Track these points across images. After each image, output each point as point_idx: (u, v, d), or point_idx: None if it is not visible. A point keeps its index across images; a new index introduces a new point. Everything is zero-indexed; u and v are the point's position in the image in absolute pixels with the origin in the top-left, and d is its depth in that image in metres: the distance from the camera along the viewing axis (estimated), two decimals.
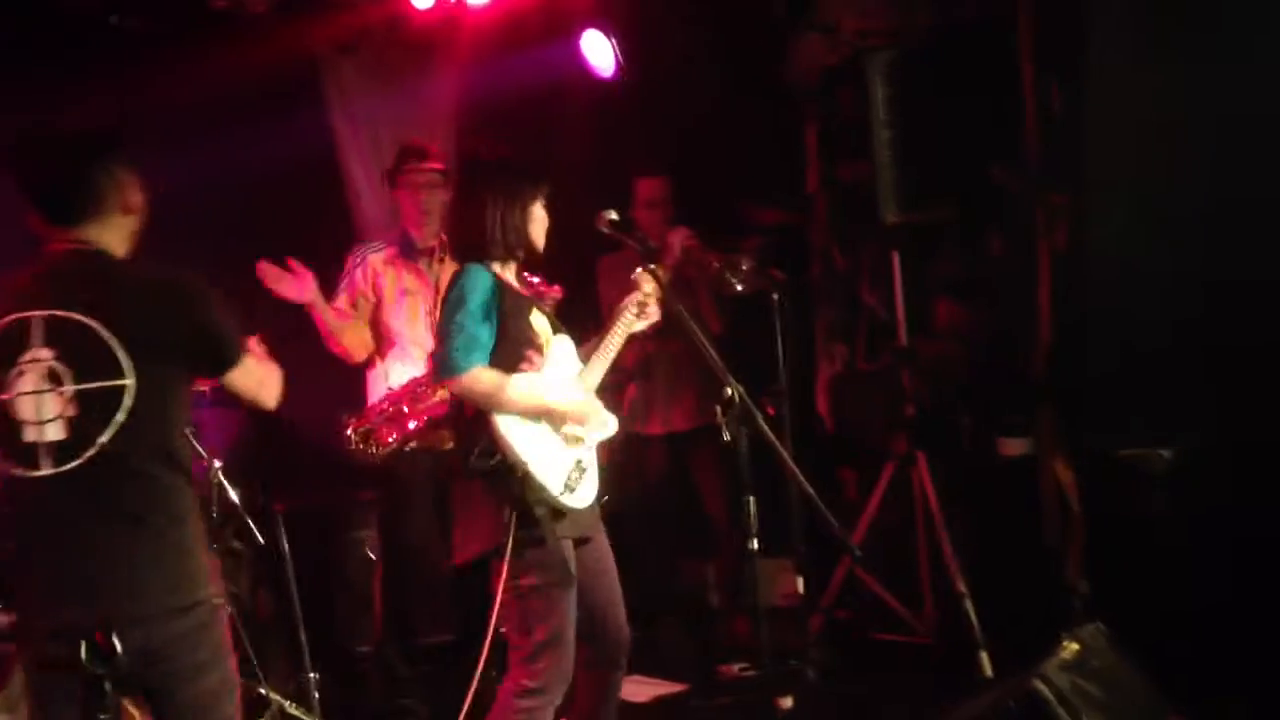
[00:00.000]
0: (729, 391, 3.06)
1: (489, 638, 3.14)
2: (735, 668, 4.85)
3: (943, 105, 4.47)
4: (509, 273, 3.33)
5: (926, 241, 4.90)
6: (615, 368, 3.78)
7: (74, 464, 2.47)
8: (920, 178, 4.52)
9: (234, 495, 4.31)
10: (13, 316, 2.50)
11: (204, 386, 4.40)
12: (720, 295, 4.83)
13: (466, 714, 3.22)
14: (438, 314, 3.37)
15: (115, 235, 2.62)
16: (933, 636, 4.79)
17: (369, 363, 4.53)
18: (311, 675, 4.31)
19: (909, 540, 4.93)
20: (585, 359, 3.45)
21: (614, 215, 3.37)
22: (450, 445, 4.15)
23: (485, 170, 3.33)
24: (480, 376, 3.11)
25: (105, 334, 2.48)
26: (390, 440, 4.26)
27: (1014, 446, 4.65)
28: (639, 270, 3.46)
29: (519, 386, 3.15)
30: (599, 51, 5.54)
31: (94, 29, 5.06)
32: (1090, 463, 4.34)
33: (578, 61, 5.52)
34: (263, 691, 4.27)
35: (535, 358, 3.24)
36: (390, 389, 4.32)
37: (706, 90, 5.41)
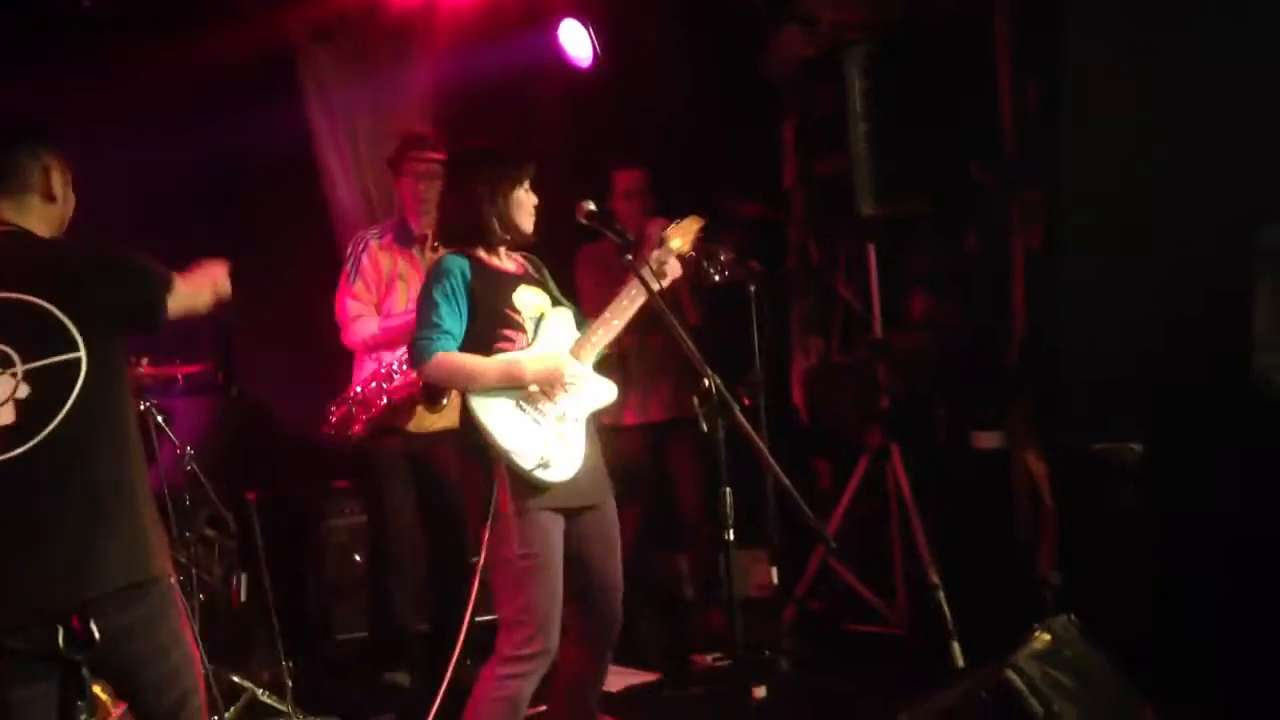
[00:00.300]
0: (706, 383, 3.08)
1: (467, 618, 3.16)
2: (709, 658, 4.87)
3: (920, 99, 4.49)
4: (498, 255, 3.40)
5: (902, 235, 4.92)
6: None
7: (28, 446, 2.45)
8: (897, 171, 4.54)
9: (206, 483, 4.31)
10: None
11: (177, 373, 4.44)
12: (698, 287, 4.84)
13: (444, 696, 3.25)
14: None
15: (37, 220, 2.65)
16: (905, 627, 4.83)
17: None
18: (285, 664, 4.31)
19: (883, 531, 4.96)
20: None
21: (592, 206, 3.39)
22: (416, 427, 4.35)
23: (466, 158, 3.45)
24: (442, 361, 3.21)
25: (52, 309, 2.49)
26: (362, 422, 4.28)
27: (987, 439, 4.68)
28: (669, 227, 3.49)
29: (481, 366, 3.22)
30: (577, 41, 5.53)
31: (67, 14, 5.00)
32: (1062, 456, 4.37)
33: (555, 51, 5.51)
34: (236, 680, 4.27)
35: (516, 336, 3.29)
36: (375, 371, 4.35)
37: (684, 82, 5.41)
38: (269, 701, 4.27)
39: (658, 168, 5.18)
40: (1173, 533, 3.94)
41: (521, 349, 3.30)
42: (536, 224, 3.44)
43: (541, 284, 3.47)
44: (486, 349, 3.26)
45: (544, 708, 3.54)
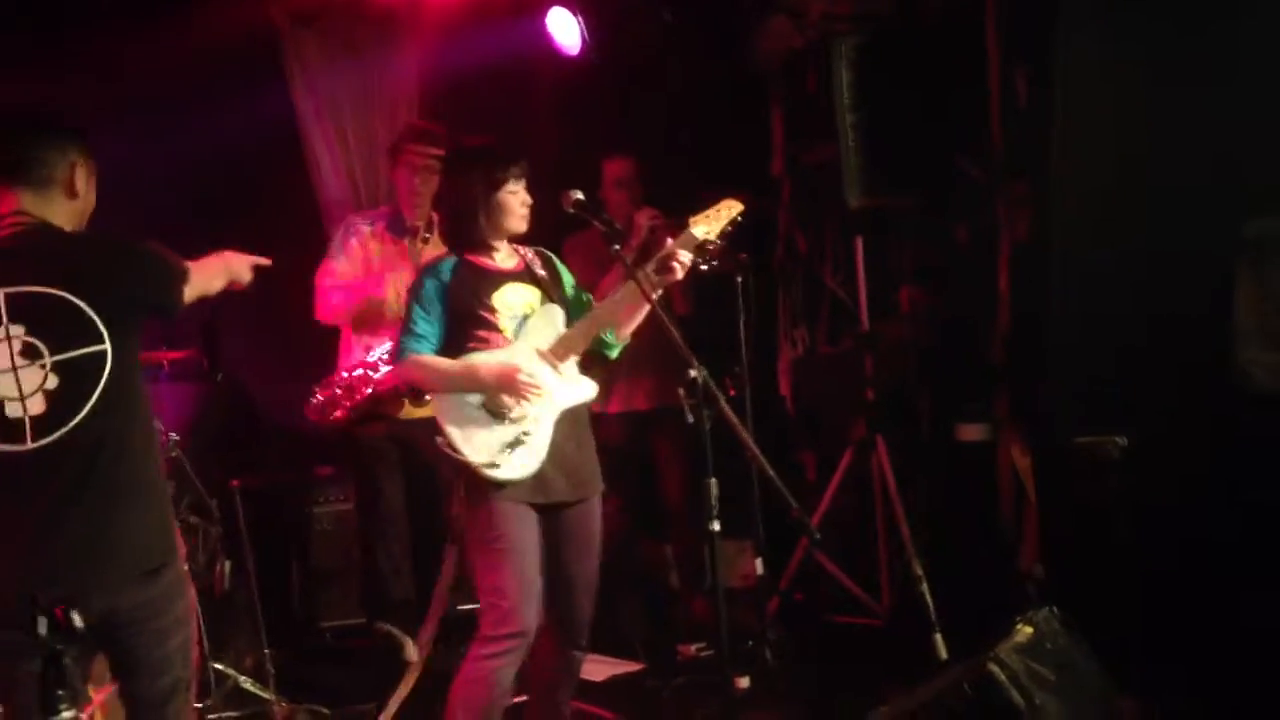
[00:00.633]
0: (693, 373, 3.08)
1: (437, 606, 3.18)
2: (693, 648, 4.87)
3: (908, 92, 4.49)
4: (491, 254, 3.41)
5: (890, 227, 4.92)
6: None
7: (57, 435, 2.53)
8: (884, 163, 4.53)
9: (190, 470, 4.30)
10: None
11: (162, 359, 4.43)
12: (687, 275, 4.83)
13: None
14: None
15: (59, 214, 2.69)
16: (889, 619, 4.84)
17: (343, 332, 4.55)
18: (268, 651, 4.30)
19: (867, 523, 4.97)
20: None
21: (579, 195, 3.39)
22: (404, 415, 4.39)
23: (455, 158, 3.54)
24: (412, 363, 3.31)
25: (79, 303, 2.55)
26: (345, 409, 4.30)
27: (972, 432, 4.69)
28: (696, 217, 3.48)
29: (446, 369, 3.28)
30: (565, 29, 5.51)
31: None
32: (1046, 449, 4.38)
33: (543, 39, 5.48)
34: (219, 667, 4.27)
35: (491, 336, 3.31)
36: (363, 360, 4.37)
37: (673, 70, 5.40)
38: (252, 689, 4.26)
39: (646, 156, 5.17)
40: (1156, 526, 3.95)
41: (497, 349, 3.30)
42: (531, 217, 3.44)
43: (539, 281, 3.45)
44: (460, 349, 3.31)
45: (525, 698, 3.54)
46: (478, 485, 3.23)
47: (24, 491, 2.54)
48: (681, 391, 3.21)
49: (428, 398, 4.13)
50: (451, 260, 3.39)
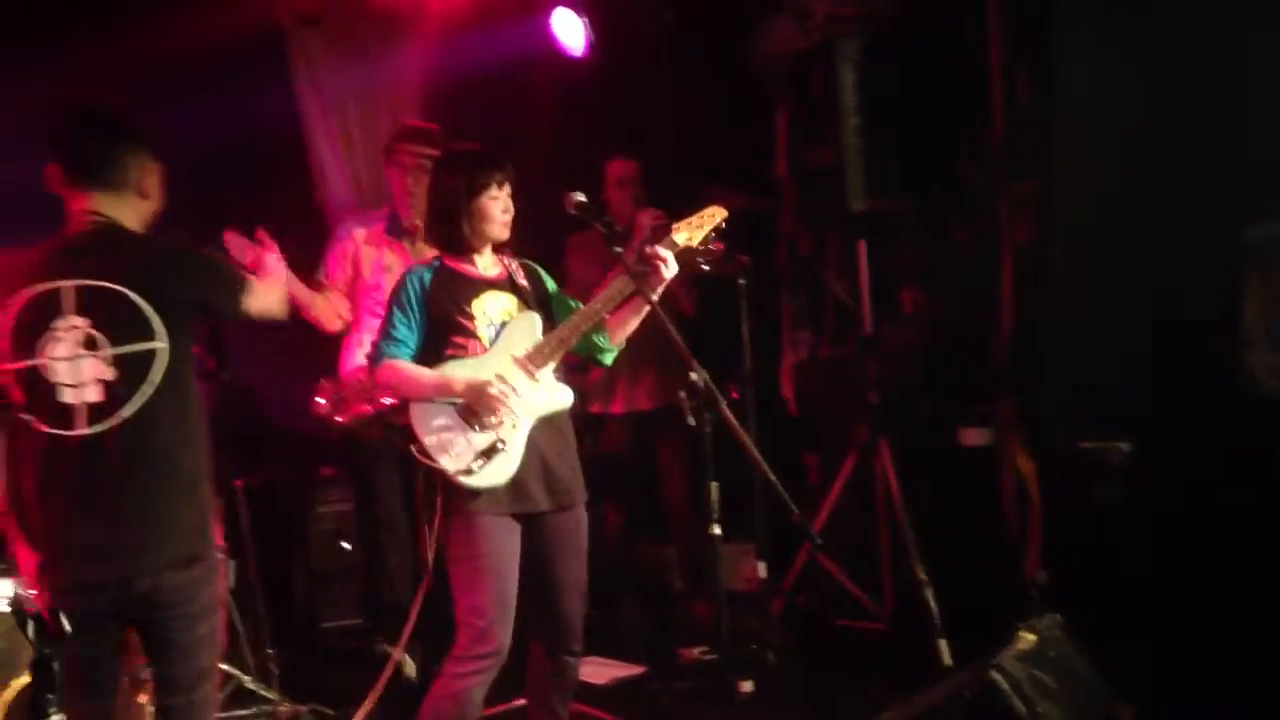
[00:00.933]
0: (693, 376, 3.07)
1: (414, 612, 3.15)
2: (695, 651, 4.85)
3: (911, 94, 4.47)
4: (472, 260, 3.38)
5: (893, 229, 4.90)
6: None
7: (108, 424, 2.66)
8: (887, 166, 4.52)
9: None
10: (43, 286, 2.69)
11: None
12: (692, 278, 4.83)
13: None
14: None
15: (129, 214, 2.82)
16: (892, 623, 4.83)
17: (345, 332, 4.54)
18: (271, 651, 4.30)
19: (870, 527, 4.95)
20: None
21: (581, 197, 3.38)
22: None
23: (440, 162, 3.51)
24: (388, 368, 3.27)
25: (138, 300, 2.69)
26: (360, 412, 4.27)
27: (975, 436, 4.66)
28: (681, 220, 3.47)
29: (419, 378, 3.25)
30: (569, 30, 5.51)
31: None
32: (1049, 454, 4.36)
33: (547, 39, 5.48)
34: (224, 667, 4.26)
35: (467, 342, 3.28)
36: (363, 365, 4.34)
37: (676, 71, 5.39)
38: (255, 689, 4.26)
39: (649, 157, 5.16)
40: (1160, 532, 3.94)
41: (474, 355, 3.28)
42: (515, 224, 3.41)
43: (519, 290, 3.42)
44: (438, 355, 3.28)
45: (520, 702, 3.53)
46: (455, 496, 3.19)
47: (73, 475, 2.67)
48: (682, 394, 3.20)
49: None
50: (433, 265, 3.37)
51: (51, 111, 2.85)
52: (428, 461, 3.18)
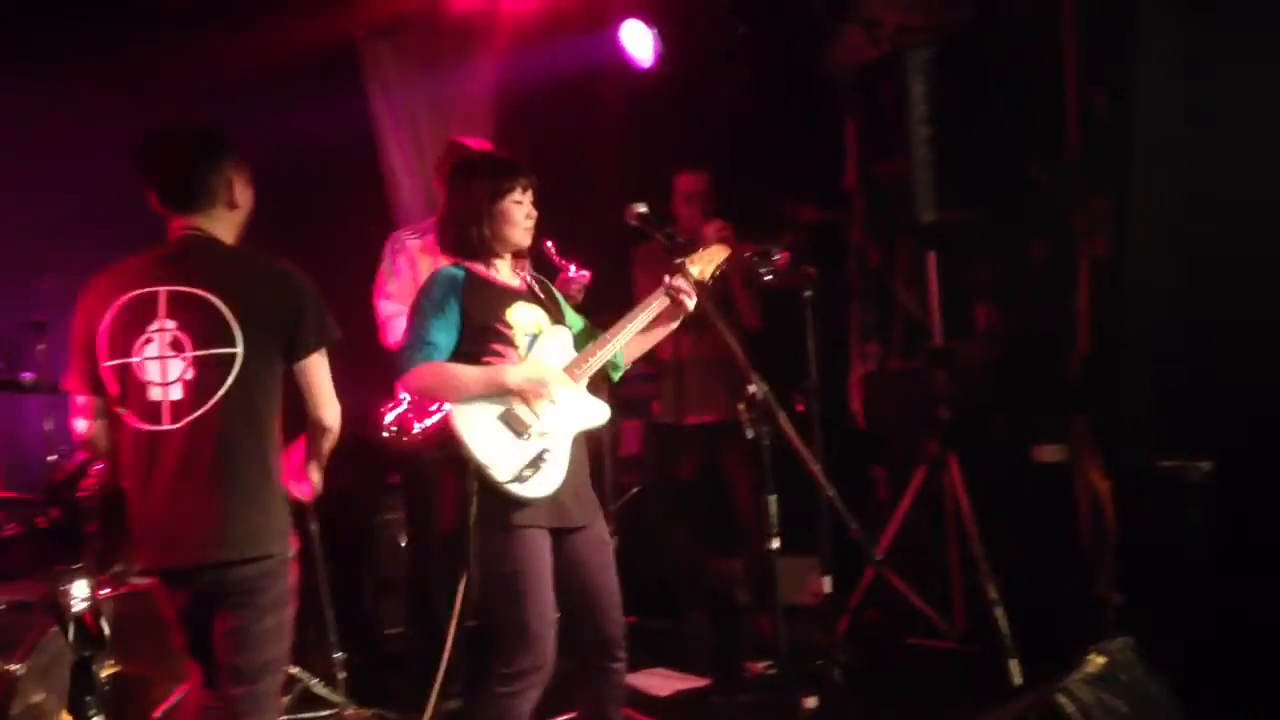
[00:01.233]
0: (752, 389, 3.04)
1: (453, 626, 3.12)
2: (760, 665, 4.80)
3: (982, 104, 4.40)
4: (496, 267, 3.35)
5: (964, 241, 4.82)
6: (648, 359, 3.77)
7: (186, 421, 2.82)
8: (957, 177, 4.45)
9: None
10: (143, 290, 2.87)
11: None
12: (753, 288, 4.80)
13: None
14: None
15: (222, 225, 2.96)
16: (962, 642, 4.73)
17: None
18: (338, 655, 4.34)
19: (940, 543, 4.87)
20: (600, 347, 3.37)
21: (642, 208, 3.38)
22: None
23: (459, 167, 3.44)
24: (423, 372, 3.17)
25: (221, 307, 2.84)
26: (416, 428, 4.28)
27: (1048, 453, 4.56)
28: (672, 277, 3.40)
29: (464, 374, 3.17)
30: (639, 42, 5.51)
31: (136, 7, 5.08)
32: (1126, 472, 4.25)
33: (617, 52, 5.48)
34: (292, 671, 4.30)
35: (506, 350, 3.23)
36: None
37: (745, 83, 5.37)
38: (322, 692, 4.29)
39: (719, 169, 5.14)
40: (1240, 554, 3.82)
41: (508, 363, 3.23)
42: (536, 233, 3.39)
43: (543, 303, 3.40)
44: (475, 362, 3.20)
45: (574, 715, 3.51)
46: (496, 510, 3.12)
47: (156, 467, 2.84)
48: (741, 407, 3.17)
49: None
50: (460, 270, 3.28)
51: (139, 138, 2.96)
52: (482, 469, 3.11)
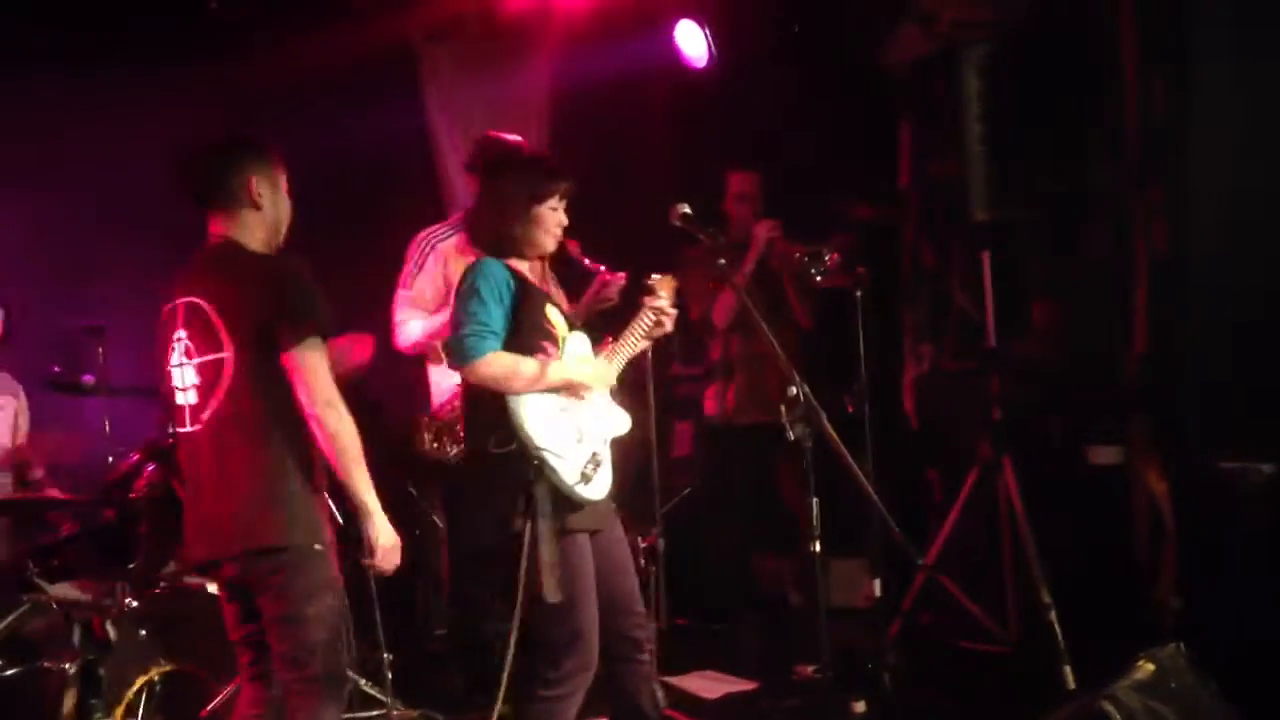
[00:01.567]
0: (794, 390, 3.02)
1: (515, 628, 3.13)
2: (810, 668, 4.76)
3: (1038, 100, 4.33)
4: (525, 267, 3.35)
5: (1020, 240, 4.75)
6: (699, 362, 3.78)
7: (200, 423, 2.94)
8: (1012, 174, 4.38)
9: None
10: (171, 302, 3.02)
11: None
12: (804, 288, 4.77)
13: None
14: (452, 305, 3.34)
15: (250, 229, 3.00)
16: (1015, 647, 4.66)
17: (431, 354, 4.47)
18: (387, 656, 4.37)
19: (994, 546, 4.80)
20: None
21: (686, 209, 3.37)
22: None
23: (497, 167, 3.45)
24: (493, 360, 3.11)
25: (211, 313, 2.92)
26: (453, 446, 4.27)
27: (1104, 455, 4.48)
28: (655, 277, 3.43)
29: (535, 367, 3.15)
30: (692, 42, 5.50)
31: (197, 14, 5.17)
32: (1185, 475, 4.16)
33: (669, 52, 5.48)
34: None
35: (550, 348, 3.23)
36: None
37: (799, 82, 5.33)
38: (370, 691, 4.33)
39: (770, 169, 5.11)
40: None
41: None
42: (562, 239, 3.39)
43: (558, 304, 3.43)
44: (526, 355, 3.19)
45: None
46: (557, 513, 3.12)
47: (186, 465, 3.03)
48: (783, 408, 3.16)
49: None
50: (498, 264, 3.24)
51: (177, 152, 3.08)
52: (554, 472, 3.10)
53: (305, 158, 5.10)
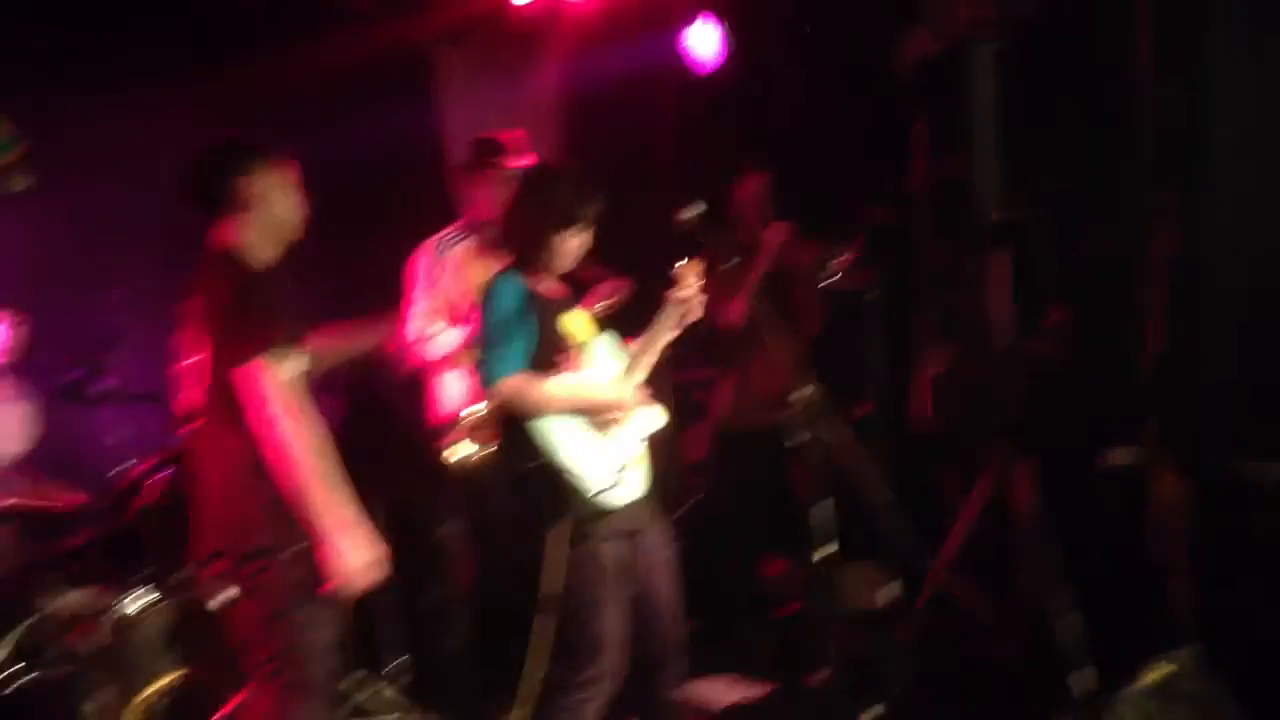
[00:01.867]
0: (801, 392, 3.02)
1: (536, 633, 3.14)
2: (822, 674, 4.74)
3: (1051, 100, 4.31)
4: (542, 280, 3.37)
5: (1033, 240, 4.72)
6: (713, 364, 3.76)
7: (195, 422, 3.02)
8: (1024, 175, 4.37)
9: None
10: (184, 302, 3.07)
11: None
12: (814, 290, 4.75)
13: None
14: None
15: (254, 231, 3.00)
16: (1030, 650, 4.62)
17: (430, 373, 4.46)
18: (403, 660, 4.37)
19: (1008, 549, 4.76)
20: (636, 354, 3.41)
21: (694, 211, 3.36)
22: None
23: (534, 180, 3.43)
24: (517, 383, 3.18)
25: (198, 319, 2.99)
26: (489, 443, 4.25)
27: (1120, 456, 4.45)
28: (679, 265, 3.40)
29: (558, 387, 3.20)
30: (705, 42, 5.49)
31: (210, 20, 5.18)
32: (1201, 476, 4.13)
33: (680, 54, 5.47)
34: (356, 675, 4.35)
35: (567, 361, 3.27)
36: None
37: (810, 83, 5.32)
38: (390, 697, 4.33)
39: (781, 171, 5.10)
40: None
41: (573, 372, 3.28)
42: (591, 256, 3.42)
43: (579, 309, 3.46)
44: (546, 372, 3.24)
45: None
46: (585, 520, 3.16)
47: (187, 464, 3.11)
48: (791, 411, 3.15)
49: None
50: (514, 281, 3.30)
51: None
52: (579, 479, 3.14)
53: (318, 162, 5.17)
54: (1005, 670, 4.60)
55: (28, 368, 4.77)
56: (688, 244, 4.73)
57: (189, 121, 4.72)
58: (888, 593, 4.25)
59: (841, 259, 4.20)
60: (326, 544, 2.78)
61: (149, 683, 3.55)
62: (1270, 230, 3.87)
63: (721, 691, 4.56)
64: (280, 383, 2.81)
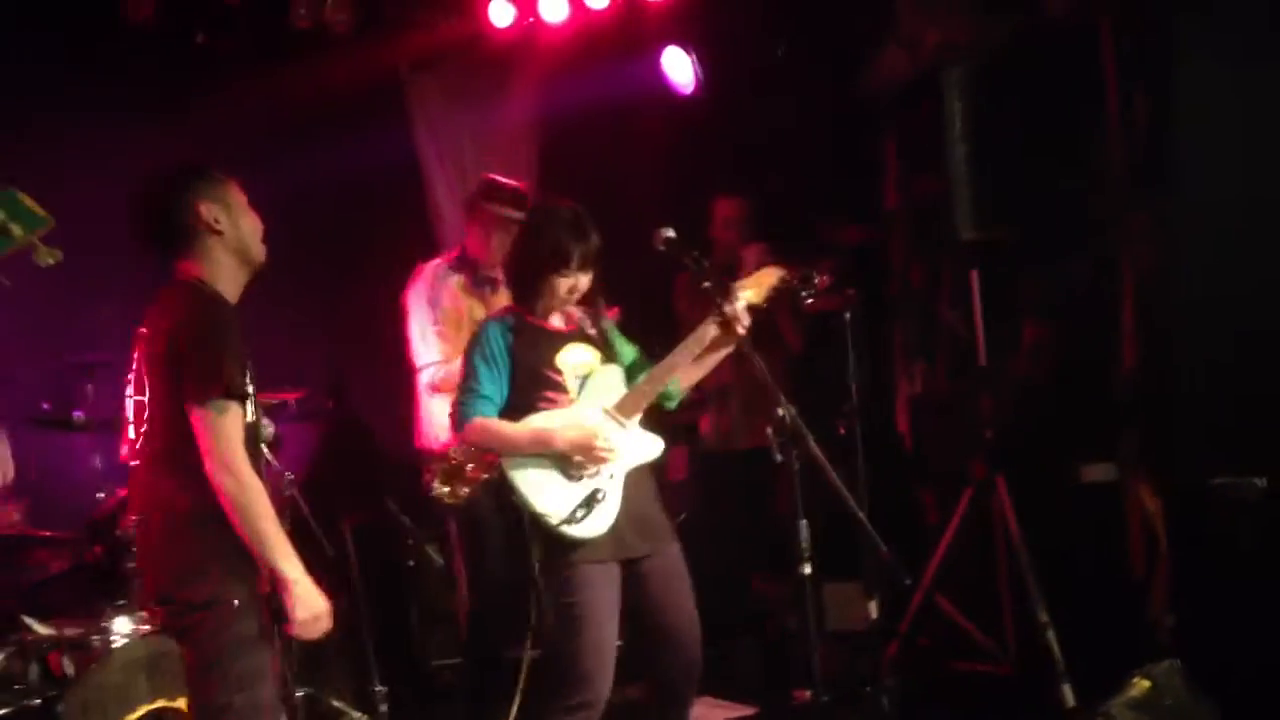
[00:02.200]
0: (780, 412, 3.02)
1: (527, 657, 3.14)
2: (809, 693, 4.73)
3: (1023, 120, 4.35)
4: (545, 314, 3.39)
5: (1008, 259, 4.76)
6: (695, 386, 3.74)
7: (138, 458, 2.87)
8: (998, 194, 4.40)
9: (305, 507, 4.38)
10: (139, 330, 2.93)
11: (288, 398, 4.55)
12: (794, 311, 4.77)
13: None
14: None
15: (216, 258, 2.83)
16: (1014, 666, 4.64)
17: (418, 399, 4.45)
18: (380, 688, 4.34)
19: (989, 566, 4.78)
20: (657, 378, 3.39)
21: (670, 233, 3.37)
22: None
23: (529, 223, 3.51)
24: (479, 427, 3.26)
25: (137, 355, 2.88)
26: (480, 478, 4.23)
27: (1097, 473, 4.48)
28: (740, 282, 3.43)
29: (514, 433, 3.24)
30: (679, 68, 5.52)
31: (182, 48, 5.18)
32: (1178, 490, 4.15)
33: (655, 79, 5.50)
34: (336, 704, 4.33)
35: (558, 396, 3.29)
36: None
37: (785, 105, 5.35)
38: None
39: (758, 193, 5.13)
40: None
41: (563, 409, 3.29)
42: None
43: (592, 340, 3.43)
44: (528, 410, 3.27)
45: None
46: (555, 546, 3.19)
47: (131, 500, 3.06)
48: (770, 431, 3.15)
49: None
50: (509, 318, 3.36)
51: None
52: (530, 513, 3.18)
53: (293, 187, 5.19)
54: (989, 686, 4.62)
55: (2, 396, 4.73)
56: (667, 267, 4.79)
57: (163, 148, 4.70)
58: (870, 611, 4.24)
59: (820, 279, 4.21)
60: (281, 591, 2.67)
61: (125, 713, 3.51)
62: (1244, 245, 3.90)
63: (708, 712, 4.54)
64: (239, 425, 2.70)
